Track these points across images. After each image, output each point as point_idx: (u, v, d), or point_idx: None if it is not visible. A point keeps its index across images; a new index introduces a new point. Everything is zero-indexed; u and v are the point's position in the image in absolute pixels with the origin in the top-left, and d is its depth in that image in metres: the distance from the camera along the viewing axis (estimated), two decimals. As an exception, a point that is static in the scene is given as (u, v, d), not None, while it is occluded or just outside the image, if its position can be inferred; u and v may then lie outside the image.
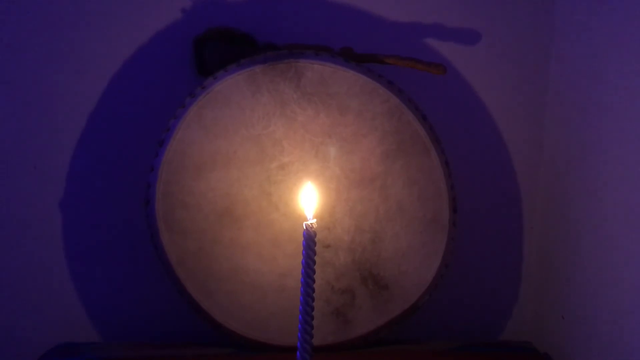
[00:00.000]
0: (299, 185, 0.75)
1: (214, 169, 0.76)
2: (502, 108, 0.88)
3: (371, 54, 0.79)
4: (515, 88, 0.88)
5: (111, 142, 0.86)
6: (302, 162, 0.76)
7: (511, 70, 0.87)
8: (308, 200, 0.65)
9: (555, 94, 0.86)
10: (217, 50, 0.80)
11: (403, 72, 0.79)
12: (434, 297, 0.81)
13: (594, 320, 0.74)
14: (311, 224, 0.62)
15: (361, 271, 0.78)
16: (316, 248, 0.62)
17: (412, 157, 0.77)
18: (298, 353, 0.63)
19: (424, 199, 0.77)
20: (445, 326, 0.91)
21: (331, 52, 0.78)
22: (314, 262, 0.62)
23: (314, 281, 0.62)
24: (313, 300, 0.63)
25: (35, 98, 0.84)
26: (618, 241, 0.70)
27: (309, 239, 0.62)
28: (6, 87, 0.84)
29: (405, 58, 0.78)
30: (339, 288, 0.79)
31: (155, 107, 0.84)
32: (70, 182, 0.86)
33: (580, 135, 0.79)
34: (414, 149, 0.76)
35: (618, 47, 0.71)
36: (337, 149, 0.76)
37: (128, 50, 0.84)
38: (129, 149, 0.86)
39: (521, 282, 0.92)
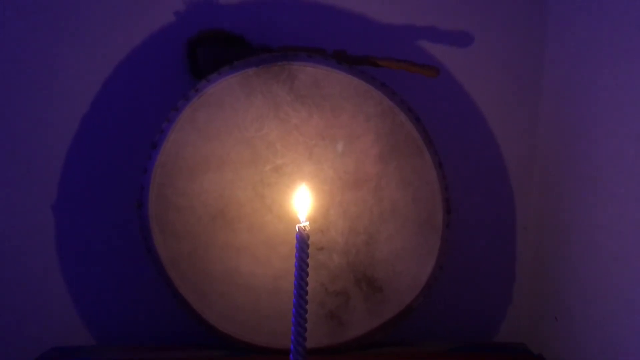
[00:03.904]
0: (293, 187, 0.75)
1: (208, 171, 0.75)
2: (495, 110, 0.88)
3: (364, 56, 0.79)
4: (508, 90, 0.88)
5: (104, 145, 0.86)
6: (296, 164, 0.76)
7: (504, 72, 0.87)
8: (301, 202, 0.65)
9: (548, 95, 0.86)
10: (211, 53, 0.80)
11: (396, 74, 0.79)
12: (428, 299, 0.81)
13: (587, 322, 0.75)
14: (304, 226, 0.62)
15: (355, 273, 0.78)
16: (310, 250, 0.62)
17: (406, 159, 0.77)
18: (291, 355, 0.63)
19: (418, 201, 0.77)
20: (439, 328, 0.91)
21: (324, 54, 0.78)
22: (307, 265, 0.62)
23: (307, 284, 0.62)
24: (306, 302, 0.63)
25: (28, 101, 0.84)
26: (611, 243, 0.70)
27: (302, 241, 0.62)
28: (-1, 89, 0.84)
29: (399, 60, 0.78)
30: (333, 290, 0.79)
31: (149, 109, 0.84)
32: (63, 185, 0.86)
33: (574, 136, 0.79)
34: (407, 150, 0.76)
35: (610, 47, 0.71)
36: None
37: (121, 53, 0.84)
38: (122, 152, 0.86)
39: (515, 284, 0.92)
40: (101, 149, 0.86)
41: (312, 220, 0.75)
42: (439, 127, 0.81)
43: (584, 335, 0.75)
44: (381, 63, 0.79)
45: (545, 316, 0.86)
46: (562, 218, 0.82)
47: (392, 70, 0.79)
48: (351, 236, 0.78)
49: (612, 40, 0.71)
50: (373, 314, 0.79)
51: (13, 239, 0.87)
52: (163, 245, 0.76)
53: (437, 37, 0.86)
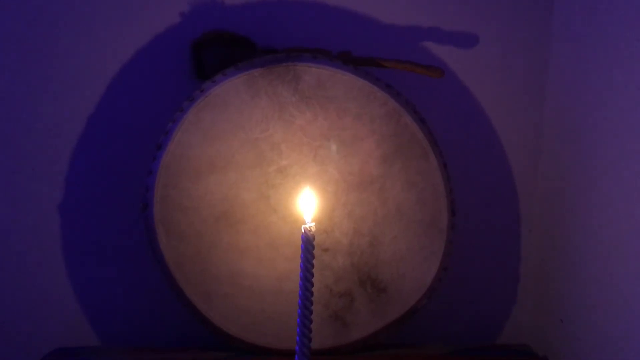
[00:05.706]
0: (297, 188, 0.75)
1: (212, 172, 0.75)
2: (500, 111, 0.88)
3: (369, 57, 0.79)
4: (513, 91, 0.88)
5: (110, 146, 0.86)
6: (301, 166, 0.76)
7: (509, 73, 0.87)
8: (306, 204, 0.65)
9: (552, 97, 0.86)
10: (216, 54, 0.80)
11: (401, 75, 0.79)
12: (432, 300, 0.80)
13: (593, 324, 0.74)
14: (309, 227, 0.62)
15: (360, 274, 0.78)
16: (314, 251, 0.62)
17: (411, 160, 0.77)
18: (296, 357, 0.63)
19: (423, 202, 0.77)
20: (443, 329, 0.91)
21: (329, 55, 0.78)
22: (312, 266, 0.62)
23: (312, 285, 0.62)
24: (311, 304, 0.63)
25: (34, 101, 0.84)
26: (616, 244, 0.70)
27: (307, 242, 0.62)
28: (5, 90, 0.84)
29: (403, 61, 0.79)
30: (337, 291, 0.79)
31: (154, 110, 0.84)
32: (69, 185, 0.86)
33: (578, 137, 0.79)
34: (412, 152, 0.76)
35: (615, 49, 0.71)
36: (338, 145, 0.76)
37: (126, 54, 0.84)
38: (128, 153, 0.86)
39: (519, 285, 0.92)
40: (107, 149, 0.86)
41: (317, 221, 0.75)
42: (443, 129, 0.81)
43: (589, 337, 0.75)
44: (386, 64, 0.79)
45: (550, 318, 0.86)
46: (567, 220, 0.81)
47: (396, 71, 0.79)
48: (356, 237, 0.78)
49: (616, 42, 0.71)
50: (377, 315, 0.79)
51: (18, 239, 0.87)
52: (168, 246, 0.76)
53: (442, 38, 0.85)
